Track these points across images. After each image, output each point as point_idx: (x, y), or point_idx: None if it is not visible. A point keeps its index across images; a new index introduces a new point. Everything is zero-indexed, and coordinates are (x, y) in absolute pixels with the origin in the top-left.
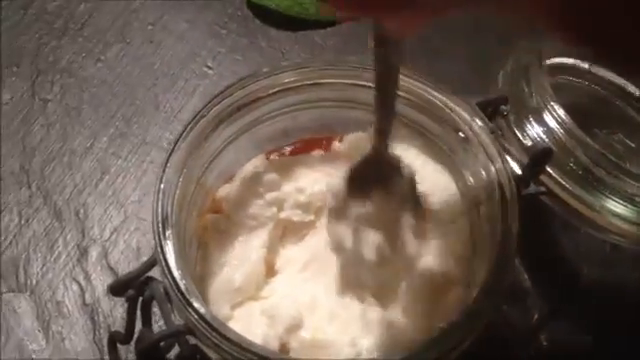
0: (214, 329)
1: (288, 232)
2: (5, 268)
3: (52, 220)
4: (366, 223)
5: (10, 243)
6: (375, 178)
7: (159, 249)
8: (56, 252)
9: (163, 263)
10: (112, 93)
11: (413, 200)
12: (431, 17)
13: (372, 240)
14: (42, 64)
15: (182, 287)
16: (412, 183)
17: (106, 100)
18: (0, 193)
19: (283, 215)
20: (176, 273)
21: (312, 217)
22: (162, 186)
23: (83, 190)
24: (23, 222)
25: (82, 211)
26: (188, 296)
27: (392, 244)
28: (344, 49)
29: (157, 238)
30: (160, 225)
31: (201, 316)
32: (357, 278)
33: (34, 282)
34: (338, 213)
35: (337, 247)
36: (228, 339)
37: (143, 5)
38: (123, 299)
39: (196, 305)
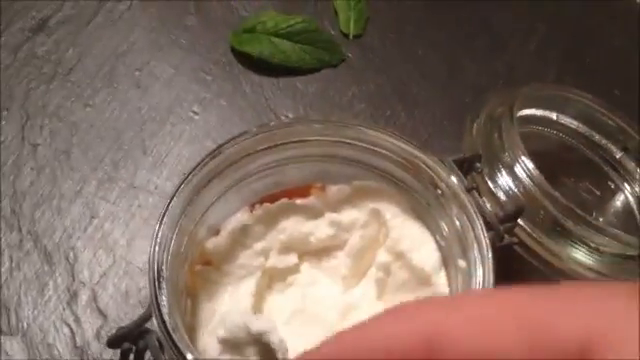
0: None
1: (275, 279)
2: None
3: (42, 264)
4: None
5: (1, 287)
6: None
7: (155, 303)
8: (47, 295)
9: (158, 316)
10: (100, 137)
11: None
12: None
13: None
14: (31, 108)
15: (175, 339)
16: None
17: (94, 144)
18: None
19: (269, 263)
20: (170, 326)
21: (296, 260)
22: (158, 242)
23: (72, 234)
24: (14, 265)
25: (72, 255)
26: (181, 347)
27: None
28: (324, 94)
29: (153, 292)
30: (156, 280)
31: None
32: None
33: (25, 325)
34: None
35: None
36: None
37: (130, 50)
38: None
39: (190, 358)
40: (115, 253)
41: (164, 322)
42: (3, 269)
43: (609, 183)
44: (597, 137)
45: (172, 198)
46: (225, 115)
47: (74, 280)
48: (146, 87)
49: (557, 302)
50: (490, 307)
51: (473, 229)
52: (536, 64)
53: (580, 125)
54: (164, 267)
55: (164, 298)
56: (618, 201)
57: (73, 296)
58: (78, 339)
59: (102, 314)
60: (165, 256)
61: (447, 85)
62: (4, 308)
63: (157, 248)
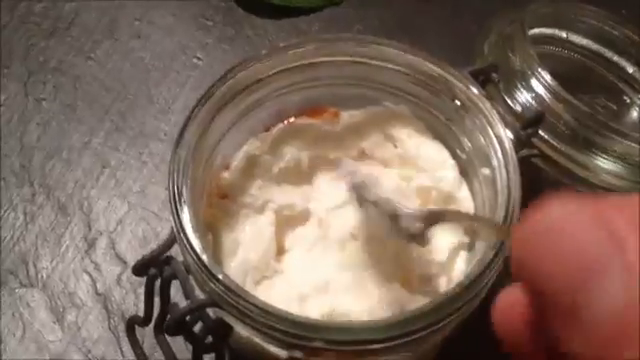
0: (242, 298)
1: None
2: (15, 265)
3: (57, 215)
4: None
5: (17, 240)
6: None
7: (178, 225)
8: (64, 246)
9: (184, 239)
10: (105, 89)
11: None
12: None
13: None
14: (33, 65)
15: (205, 260)
16: None
17: (100, 96)
18: (2, 192)
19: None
20: (197, 248)
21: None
22: (175, 165)
23: (85, 184)
24: (28, 219)
25: (86, 204)
26: (212, 268)
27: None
28: (328, 33)
29: (175, 215)
30: (177, 202)
31: (227, 286)
32: (367, 254)
33: (45, 276)
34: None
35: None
36: (256, 306)
37: (128, 1)
38: (134, 288)
39: (220, 276)
40: (129, 200)
41: (190, 244)
42: (18, 223)
43: (624, 98)
44: (609, 53)
45: (186, 122)
46: (229, 59)
47: (90, 229)
48: (147, 36)
49: None
50: None
51: (496, 135)
52: None
53: (591, 42)
54: (184, 189)
55: (187, 220)
56: (634, 114)
57: (91, 245)
58: (99, 286)
59: (121, 260)
60: (184, 179)
61: (452, 16)
62: (22, 261)
63: (175, 172)
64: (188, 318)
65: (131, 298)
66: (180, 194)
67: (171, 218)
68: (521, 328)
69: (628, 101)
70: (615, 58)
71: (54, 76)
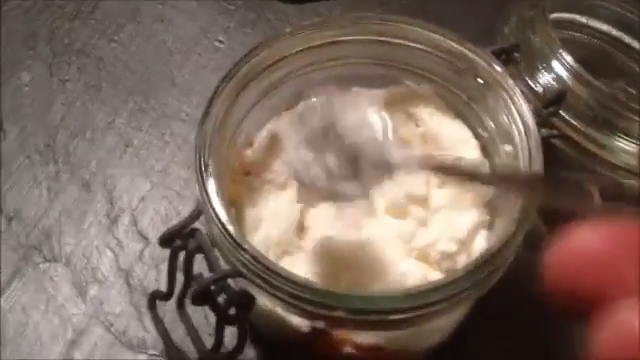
0: (266, 267)
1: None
2: (39, 240)
3: (80, 193)
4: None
5: (41, 216)
6: None
7: (205, 196)
8: (87, 222)
9: (210, 210)
10: (129, 70)
11: None
12: None
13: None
14: (57, 47)
15: (231, 231)
16: None
17: (123, 78)
18: (27, 170)
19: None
20: (224, 218)
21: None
22: (201, 140)
23: (108, 163)
24: (52, 196)
25: (109, 182)
26: (237, 238)
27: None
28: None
29: (202, 186)
30: (203, 174)
31: (253, 256)
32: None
33: (68, 251)
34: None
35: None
36: (280, 275)
37: None
38: (155, 263)
39: (247, 246)
40: (152, 179)
41: (217, 214)
42: (42, 200)
43: None
44: (628, 39)
45: (212, 99)
46: (250, 43)
47: (113, 207)
48: (170, 20)
49: None
50: None
51: (518, 111)
52: None
53: (610, 28)
54: (210, 161)
55: (213, 191)
56: None
57: (113, 221)
58: (121, 261)
59: (143, 237)
60: (209, 152)
61: (474, 1)
62: (46, 237)
63: (201, 146)
64: (213, 288)
65: (152, 274)
66: (207, 165)
67: (197, 189)
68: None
69: None
70: (634, 44)
71: (78, 58)
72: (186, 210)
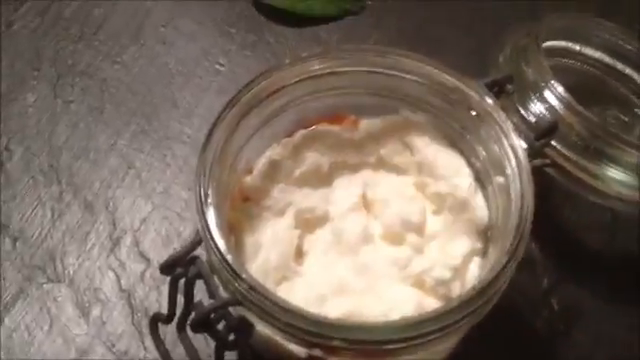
0: (264, 296)
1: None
2: (43, 261)
3: (83, 213)
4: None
5: (45, 237)
6: None
7: (204, 226)
8: (90, 243)
9: (209, 239)
10: (131, 92)
11: None
12: None
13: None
14: (61, 68)
15: (230, 260)
16: None
17: (126, 99)
18: (31, 190)
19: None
20: (222, 248)
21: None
22: (202, 167)
23: (111, 184)
24: (56, 217)
25: (111, 204)
26: (236, 268)
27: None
28: (348, 42)
29: (202, 216)
30: (203, 203)
31: (250, 285)
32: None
33: (71, 272)
34: None
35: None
36: (278, 305)
37: (154, 7)
38: (157, 285)
39: (244, 276)
40: (153, 200)
41: (215, 244)
42: (45, 221)
43: (636, 110)
44: (621, 66)
45: (213, 125)
46: (250, 65)
47: (115, 228)
48: (172, 42)
49: None
50: None
51: (510, 145)
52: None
53: (604, 55)
54: (210, 190)
55: (212, 220)
56: None
57: (116, 243)
58: (123, 282)
59: (145, 258)
60: (210, 181)
61: (470, 26)
62: (50, 258)
63: (201, 174)
64: (212, 316)
65: (154, 295)
66: (206, 195)
67: (197, 219)
68: None
69: (639, 113)
70: (627, 71)
71: (82, 79)
72: (187, 231)
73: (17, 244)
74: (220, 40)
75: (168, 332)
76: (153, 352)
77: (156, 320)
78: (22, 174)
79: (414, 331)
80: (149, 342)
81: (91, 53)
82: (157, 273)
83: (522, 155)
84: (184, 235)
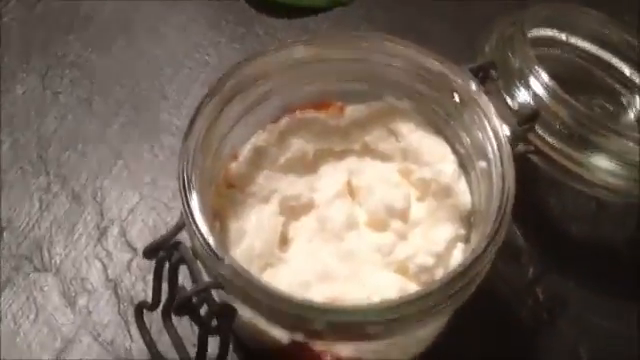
0: (246, 280)
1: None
2: (30, 250)
3: (71, 204)
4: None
5: (33, 227)
6: None
7: (187, 210)
8: (77, 233)
9: (192, 223)
10: (120, 84)
11: None
12: None
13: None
14: (51, 59)
15: (212, 244)
16: None
17: (114, 91)
18: (19, 181)
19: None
20: (205, 231)
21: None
22: (185, 155)
23: (98, 175)
24: (44, 207)
25: (99, 194)
26: (218, 251)
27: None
28: (337, 32)
29: (184, 200)
30: (186, 188)
31: (232, 269)
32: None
33: (58, 262)
34: None
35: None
36: (260, 288)
37: (143, 0)
38: (143, 274)
39: (227, 260)
40: (141, 191)
41: (198, 227)
42: (33, 211)
43: (621, 99)
44: (607, 56)
45: (195, 115)
46: (239, 57)
47: (103, 218)
48: (161, 34)
49: None
50: None
51: (492, 128)
52: None
53: (590, 45)
54: (193, 176)
55: (195, 205)
56: (631, 115)
57: (103, 233)
58: (110, 272)
59: (132, 248)
60: (193, 167)
61: (458, 19)
62: (37, 247)
63: (184, 160)
64: (195, 300)
65: (140, 285)
66: (189, 180)
67: (180, 203)
68: None
69: (625, 102)
70: (613, 60)
71: (71, 71)
72: (174, 221)
73: (4, 234)
74: (209, 33)
75: (154, 321)
76: (139, 341)
77: (141, 308)
78: (10, 165)
79: (395, 313)
80: (135, 331)
81: (80, 45)
82: (144, 263)
83: (503, 138)
84: (171, 225)
